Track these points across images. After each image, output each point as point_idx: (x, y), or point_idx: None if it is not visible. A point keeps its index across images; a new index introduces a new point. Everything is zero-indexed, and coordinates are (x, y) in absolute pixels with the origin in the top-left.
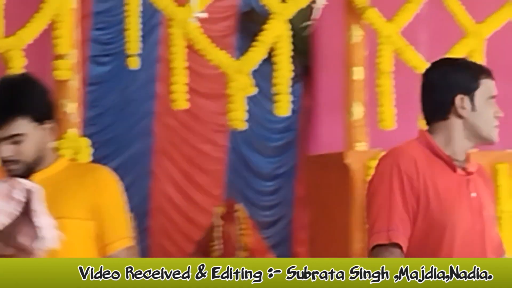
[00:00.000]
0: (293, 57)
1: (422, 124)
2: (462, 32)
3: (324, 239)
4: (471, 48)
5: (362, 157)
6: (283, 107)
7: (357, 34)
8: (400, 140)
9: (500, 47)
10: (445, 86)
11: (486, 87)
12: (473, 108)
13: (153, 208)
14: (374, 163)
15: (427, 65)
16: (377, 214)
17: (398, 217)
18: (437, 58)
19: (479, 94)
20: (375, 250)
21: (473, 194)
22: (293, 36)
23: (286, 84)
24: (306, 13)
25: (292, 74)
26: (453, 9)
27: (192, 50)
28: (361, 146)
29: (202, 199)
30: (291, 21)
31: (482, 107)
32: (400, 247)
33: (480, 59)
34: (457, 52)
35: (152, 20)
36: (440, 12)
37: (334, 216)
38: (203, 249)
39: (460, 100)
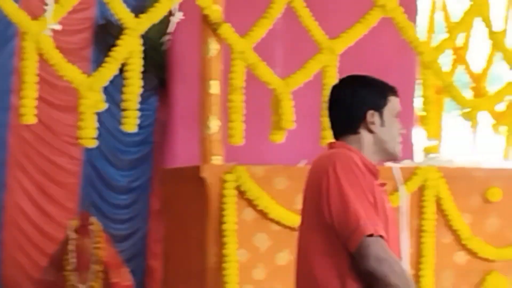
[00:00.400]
0: (149, 70)
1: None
2: (316, 47)
3: (180, 253)
4: (325, 64)
5: (217, 170)
6: (131, 123)
7: (214, 48)
8: (253, 154)
9: (353, 62)
10: (356, 102)
11: (393, 104)
12: (382, 124)
13: (6, 220)
14: (230, 177)
15: (280, 80)
16: (355, 211)
17: (373, 213)
18: (291, 73)
19: (387, 110)
20: (367, 240)
21: (389, 205)
22: (150, 49)
23: (135, 100)
24: (163, 26)
25: (141, 90)
26: (307, 25)
27: (47, 62)
28: (217, 159)
29: (56, 212)
30: (147, 34)
31: (389, 123)
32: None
33: (333, 74)
34: (311, 68)
35: (8, 31)
36: (294, 27)
37: (189, 230)
38: (57, 263)
39: (371, 116)
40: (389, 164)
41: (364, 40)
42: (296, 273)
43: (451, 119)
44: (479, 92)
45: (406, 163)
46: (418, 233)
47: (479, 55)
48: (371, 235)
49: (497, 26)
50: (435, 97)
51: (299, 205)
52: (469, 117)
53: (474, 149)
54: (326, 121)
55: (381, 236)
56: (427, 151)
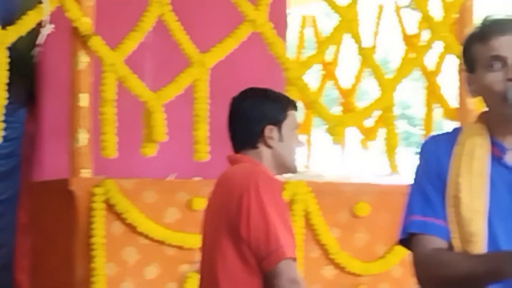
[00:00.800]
0: (17, 82)
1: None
2: (187, 61)
3: (47, 266)
4: (196, 77)
5: (86, 184)
6: None
7: (83, 61)
8: (124, 167)
9: (224, 76)
10: (255, 116)
11: (292, 118)
12: (281, 139)
13: None
14: (98, 190)
15: (151, 93)
16: (275, 233)
17: (290, 235)
18: (162, 86)
19: (286, 125)
20: (283, 263)
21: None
22: (18, 61)
23: (0, 112)
24: (33, 38)
25: (7, 102)
26: (178, 38)
27: None
28: (86, 173)
29: None
30: (16, 46)
31: (288, 138)
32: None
33: (204, 88)
34: (182, 81)
35: None
36: (165, 40)
37: (57, 243)
38: None
39: (269, 131)
40: None
41: (235, 54)
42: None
43: (320, 134)
44: (347, 107)
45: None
46: None
47: (348, 71)
48: (287, 258)
49: (366, 42)
50: (304, 112)
51: (168, 219)
52: (334, 133)
53: (343, 164)
54: (198, 135)
55: (294, 259)
56: None
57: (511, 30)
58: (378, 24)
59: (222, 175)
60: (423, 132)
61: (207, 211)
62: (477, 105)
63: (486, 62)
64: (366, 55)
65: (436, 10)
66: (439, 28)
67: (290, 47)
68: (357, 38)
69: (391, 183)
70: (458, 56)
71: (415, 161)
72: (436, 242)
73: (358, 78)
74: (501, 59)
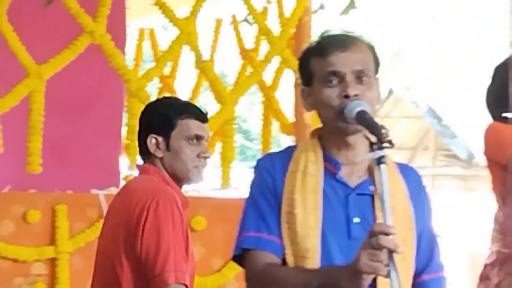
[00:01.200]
0: None
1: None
2: (24, 72)
3: None
4: (32, 89)
5: None
6: None
7: None
8: None
9: (62, 88)
10: (142, 125)
11: (184, 127)
12: (168, 148)
13: None
14: None
15: None
16: (165, 255)
17: (183, 257)
18: None
19: (175, 134)
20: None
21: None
22: None
23: None
24: None
25: None
26: (15, 49)
27: None
28: None
29: None
30: None
31: (178, 147)
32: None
33: (40, 100)
34: (18, 92)
35: None
36: (2, 51)
37: None
38: None
39: (151, 140)
40: (95, 191)
41: (73, 66)
42: None
43: None
44: None
45: (111, 190)
46: None
47: (186, 84)
48: (175, 282)
49: (204, 56)
50: None
51: (2, 231)
52: None
53: None
54: (31, 147)
55: (184, 285)
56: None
57: (349, 47)
58: (216, 37)
59: (126, 185)
60: (260, 147)
61: (105, 222)
62: (313, 120)
63: (323, 77)
64: (204, 68)
65: (273, 25)
66: (277, 42)
67: (128, 60)
68: (195, 51)
69: (227, 196)
70: (295, 71)
71: (251, 176)
72: (269, 258)
73: (196, 91)
74: (339, 75)
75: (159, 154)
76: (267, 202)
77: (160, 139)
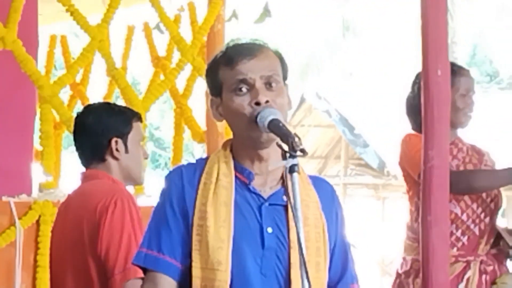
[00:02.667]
0: None
1: None
2: None
3: None
4: None
5: None
6: None
7: None
8: None
9: None
10: (101, 129)
11: (137, 130)
12: (126, 151)
13: None
14: None
15: None
16: (125, 254)
17: None
18: None
19: (131, 137)
20: (128, 284)
21: None
22: None
23: None
24: None
25: None
26: None
27: None
28: None
29: None
30: None
31: (133, 150)
32: None
33: None
34: None
35: None
36: None
37: None
38: None
39: (115, 143)
40: (6, 198)
41: None
42: None
43: (69, 155)
44: None
45: (22, 197)
46: (34, 268)
47: (98, 91)
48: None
49: (117, 63)
50: (54, 132)
51: None
52: None
53: None
54: None
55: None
56: (44, 186)
57: (255, 54)
58: (128, 45)
59: (75, 192)
60: (172, 154)
61: (58, 233)
62: (226, 128)
63: (233, 86)
64: (116, 76)
65: (186, 33)
66: (189, 50)
67: (40, 67)
68: (107, 59)
69: (140, 204)
70: None
71: (162, 184)
72: (166, 283)
73: (107, 98)
74: (248, 82)
75: (120, 156)
76: (173, 219)
77: (119, 141)
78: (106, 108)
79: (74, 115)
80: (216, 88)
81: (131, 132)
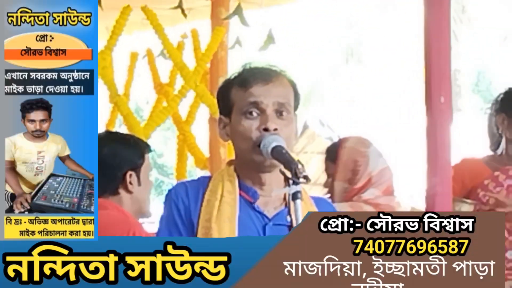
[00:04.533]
0: None
1: None
2: None
3: None
4: None
5: None
6: None
7: None
8: None
9: None
10: (116, 162)
11: (148, 161)
12: (139, 183)
13: None
14: None
15: None
16: None
17: None
18: None
19: (143, 169)
20: None
21: None
22: None
23: None
24: None
25: None
26: None
27: None
28: None
29: None
30: None
31: (144, 181)
32: None
33: None
34: None
35: None
36: None
37: None
38: None
39: (129, 176)
40: None
41: None
42: None
43: None
44: None
45: None
46: None
47: (100, 118)
48: None
49: (119, 89)
50: None
51: None
52: None
53: None
54: None
55: None
56: None
57: (271, 80)
58: (131, 71)
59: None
60: (176, 181)
61: None
62: (228, 155)
63: (244, 108)
64: (118, 103)
65: (189, 60)
66: (192, 77)
67: None
68: (110, 85)
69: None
70: (209, 106)
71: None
72: None
73: (110, 125)
74: (260, 107)
75: (133, 189)
76: (183, 227)
77: (133, 174)
78: (120, 140)
79: None
80: (226, 108)
81: (144, 165)
